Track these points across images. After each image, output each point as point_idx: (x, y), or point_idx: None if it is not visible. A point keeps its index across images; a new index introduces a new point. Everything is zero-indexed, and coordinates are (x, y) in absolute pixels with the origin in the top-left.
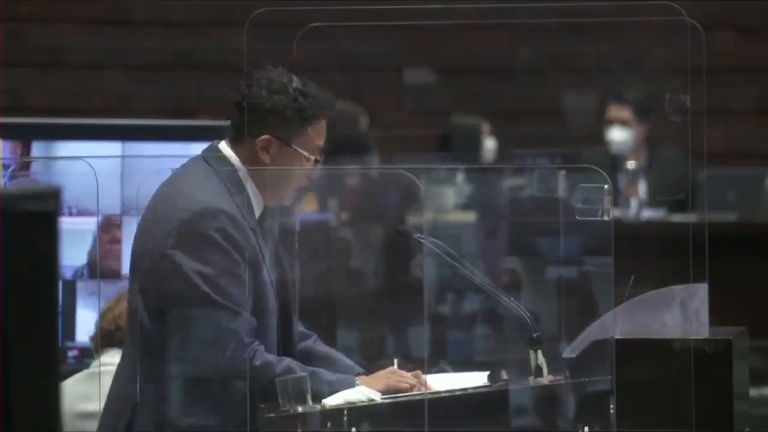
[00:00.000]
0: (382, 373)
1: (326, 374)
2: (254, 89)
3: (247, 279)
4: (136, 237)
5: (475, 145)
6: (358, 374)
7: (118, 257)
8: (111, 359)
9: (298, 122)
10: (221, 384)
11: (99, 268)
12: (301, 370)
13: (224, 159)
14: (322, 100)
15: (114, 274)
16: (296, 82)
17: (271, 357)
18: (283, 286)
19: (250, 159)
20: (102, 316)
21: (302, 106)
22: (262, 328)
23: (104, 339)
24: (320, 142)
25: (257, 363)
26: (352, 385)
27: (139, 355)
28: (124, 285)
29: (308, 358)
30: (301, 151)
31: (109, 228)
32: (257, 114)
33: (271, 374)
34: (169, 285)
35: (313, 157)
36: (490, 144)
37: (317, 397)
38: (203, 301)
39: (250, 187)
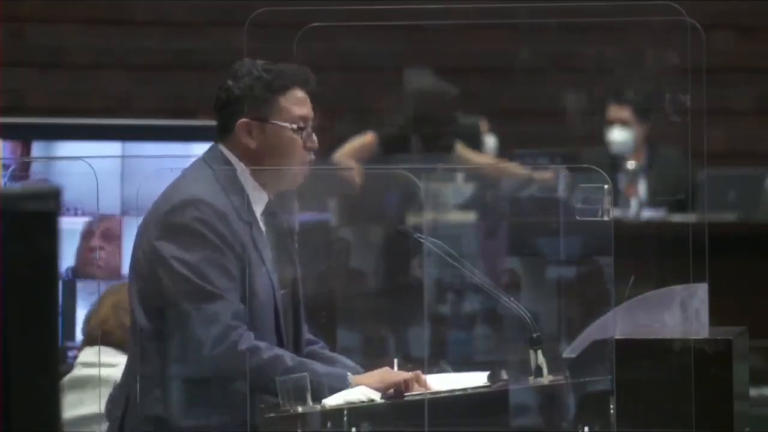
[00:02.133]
0: (375, 371)
1: (318, 367)
2: (223, 85)
3: (233, 268)
4: (135, 236)
5: (475, 145)
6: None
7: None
8: (89, 358)
9: (267, 97)
10: (214, 376)
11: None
12: (291, 360)
13: (222, 157)
14: (289, 71)
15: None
16: (261, 63)
17: (260, 343)
18: (291, 286)
19: (239, 149)
20: (87, 320)
21: (268, 80)
22: (254, 324)
23: (90, 343)
24: (301, 111)
25: (244, 347)
26: (344, 378)
27: (134, 351)
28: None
29: (312, 359)
30: (280, 123)
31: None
32: (231, 104)
33: (259, 360)
34: (156, 276)
35: (296, 126)
36: (490, 142)
37: (314, 394)
38: (186, 288)
39: (249, 182)
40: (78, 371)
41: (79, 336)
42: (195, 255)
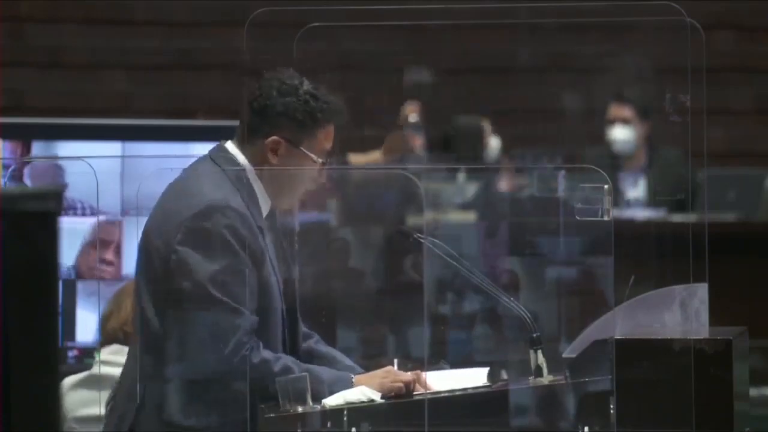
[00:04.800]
0: (377, 372)
1: (324, 372)
2: (265, 90)
3: (251, 278)
4: (144, 236)
5: (479, 145)
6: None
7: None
8: (109, 357)
9: (308, 125)
10: (222, 383)
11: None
12: (298, 368)
13: (231, 159)
14: (332, 105)
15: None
16: (307, 84)
17: (269, 354)
18: (289, 286)
19: (257, 159)
20: (105, 320)
21: (312, 109)
22: (267, 327)
23: (110, 343)
24: (328, 145)
25: (255, 360)
26: (348, 383)
27: (144, 354)
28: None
29: (310, 358)
30: (309, 154)
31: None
32: (267, 115)
33: (269, 372)
34: (176, 282)
35: (320, 160)
36: (494, 143)
37: (315, 396)
38: (207, 298)
39: (258, 187)
40: (96, 369)
41: (81, 336)
42: (220, 265)
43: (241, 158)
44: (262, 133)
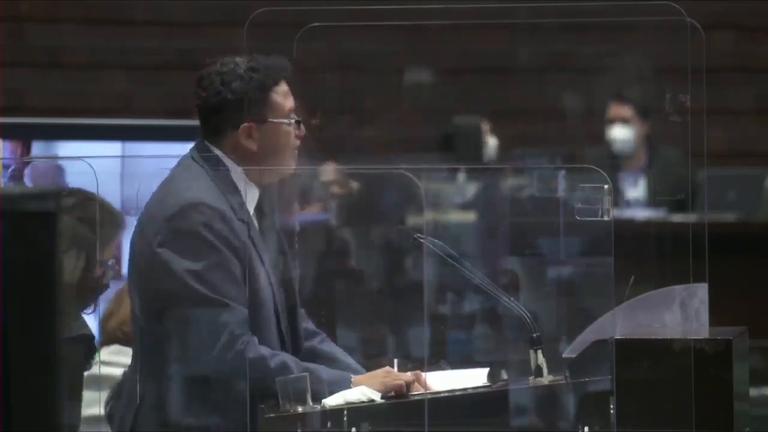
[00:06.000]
0: (377, 372)
1: (324, 372)
2: (210, 89)
3: (237, 272)
4: (132, 238)
5: (477, 145)
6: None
7: None
8: (108, 358)
9: (261, 96)
10: (220, 382)
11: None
12: (297, 367)
13: (212, 155)
14: (273, 66)
15: None
16: (242, 61)
17: (265, 350)
18: (289, 284)
19: (236, 150)
20: (105, 320)
21: (259, 82)
22: (257, 320)
23: (110, 343)
24: (289, 102)
25: (250, 356)
26: (347, 383)
27: (141, 354)
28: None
29: (313, 357)
30: (279, 121)
31: None
32: (224, 109)
33: (265, 368)
34: (160, 283)
35: (292, 120)
36: (491, 143)
37: (315, 396)
38: (193, 297)
39: (242, 179)
40: (96, 370)
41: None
42: (201, 263)
43: (221, 155)
44: (230, 125)
